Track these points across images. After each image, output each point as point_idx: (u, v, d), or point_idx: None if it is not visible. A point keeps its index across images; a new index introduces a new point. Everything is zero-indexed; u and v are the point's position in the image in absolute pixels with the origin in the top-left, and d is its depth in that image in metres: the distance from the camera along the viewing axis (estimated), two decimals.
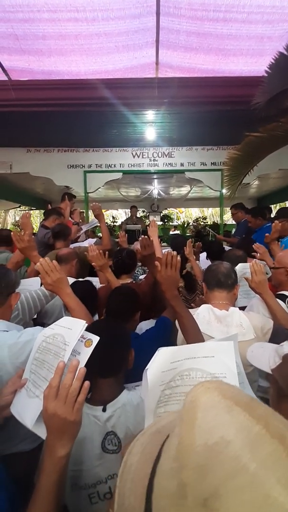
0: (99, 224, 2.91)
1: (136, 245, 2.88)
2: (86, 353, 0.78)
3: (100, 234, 3.98)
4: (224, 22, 2.68)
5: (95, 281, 2.21)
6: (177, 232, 9.36)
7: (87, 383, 0.67)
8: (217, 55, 3.04)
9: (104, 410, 0.87)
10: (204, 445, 0.29)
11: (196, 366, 0.63)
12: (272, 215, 4.55)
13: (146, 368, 0.66)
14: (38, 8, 2.63)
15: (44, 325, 1.49)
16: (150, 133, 4.31)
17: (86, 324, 0.85)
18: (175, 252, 1.16)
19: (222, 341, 0.70)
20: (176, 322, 1.34)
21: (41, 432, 0.77)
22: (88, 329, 0.87)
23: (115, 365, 0.93)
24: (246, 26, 2.71)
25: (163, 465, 0.33)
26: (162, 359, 0.68)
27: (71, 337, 0.82)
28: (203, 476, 0.28)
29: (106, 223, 4.68)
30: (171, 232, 8.77)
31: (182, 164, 5.01)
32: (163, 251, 2.37)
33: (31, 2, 2.56)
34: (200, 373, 0.62)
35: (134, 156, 5.01)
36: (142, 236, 1.59)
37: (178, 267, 1.15)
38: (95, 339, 0.80)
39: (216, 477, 0.27)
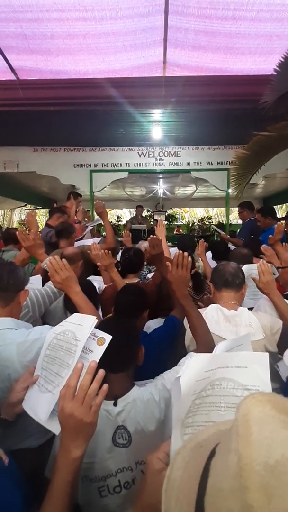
0: (102, 222, 2.90)
1: (142, 245, 2.88)
2: (98, 351, 0.78)
3: (104, 233, 4.02)
4: (233, 21, 2.66)
5: (99, 280, 2.21)
6: (181, 232, 9.38)
7: (105, 385, 0.67)
8: (226, 54, 3.02)
9: (115, 404, 0.88)
10: (265, 464, 0.28)
11: (228, 376, 0.61)
12: (278, 216, 4.52)
13: (179, 375, 0.64)
14: (47, 8, 2.65)
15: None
16: (157, 132, 4.30)
17: (97, 320, 0.85)
18: (186, 253, 1.15)
19: (255, 352, 0.67)
20: (185, 321, 1.34)
21: (54, 427, 0.78)
22: (99, 326, 0.87)
23: (125, 359, 0.93)
24: (255, 24, 2.69)
25: (218, 483, 0.31)
26: (196, 367, 0.65)
27: (82, 332, 0.82)
28: (268, 499, 0.27)
29: (111, 222, 4.69)
30: (175, 232, 8.78)
31: (188, 164, 4.99)
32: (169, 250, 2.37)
33: (40, 2, 2.57)
34: (232, 383, 0.60)
35: (140, 156, 5.01)
36: (152, 235, 1.59)
37: (189, 267, 1.15)
38: (108, 337, 0.80)
39: (284, 501, 0.26)
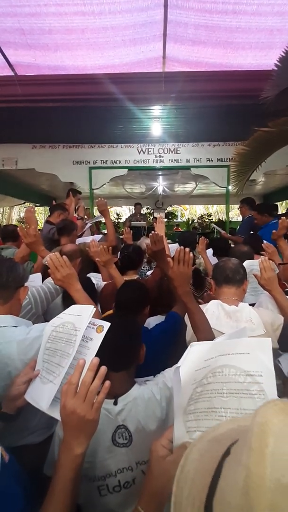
0: (102, 219, 2.89)
1: (144, 241, 2.87)
2: (98, 339, 0.79)
3: (105, 231, 4.02)
4: (233, 15, 2.63)
5: (98, 277, 2.21)
6: (180, 230, 9.38)
7: (107, 382, 0.67)
8: (226, 49, 3.00)
9: (115, 403, 0.87)
10: (277, 482, 0.25)
11: (230, 363, 0.61)
12: (279, 212, 4.51)
13: (178, 365, 0.64)
14: (45, 2, 2.62)
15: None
16: (156, 129, 4.28)
17: (95, 309, 0.85)
18: (188, 249, 1.14)
19: (257, 337, 0.67)
20: (185, 317, 1.34)
21: (57, 414, 0.78)
22: None
23: (126, 358, 0.92)
24: (255, 18, 2.66)
25: (226, 495, 0.29)
26: (195, 357, 0.65)
27: (81, 322, 0.83)
28: None
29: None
30: (174, 231, 8.78)
31: (188, 160, 4.97)
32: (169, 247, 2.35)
33: None
34: (234, 370, 0.60)
35: (139, 152, 4.98)
36: (153, 232, 1.58)
37: (190, 263, 1.14)
38: (106, 325, 0.80)
39: None
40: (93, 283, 1.84)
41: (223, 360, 0.61)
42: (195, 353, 0.65)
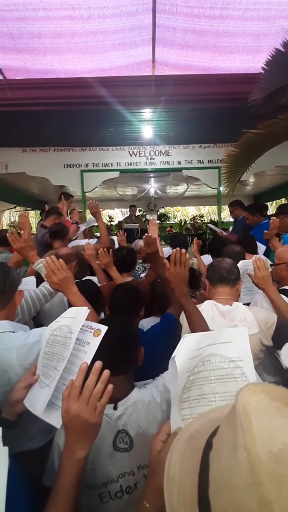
0: (96, 224, 2.90)
1: (138, 243, 2.88)
2: (95, 343, 0.79)
3: (97, 234, 4.01)
4: (220, 19, 2.69)
5: (94, 280, 2.20)
6: (173, 231, 9.42)
7: (110, 386, 0.66)
8: (214, 52, 3.05)
9: (115, 408, 0.86)
10: (269, 453, 0.29)
11: (215, 351, 0.68)
12: (269, 212, 4.60)
13: (173, 355, 0.69)
14: (34, 7, 2.62)
15: (42, 326, 1.49)
16: (147, 132, 4.31)
17: (89, 310, 0.86)
18: (184, 250, 1.15)
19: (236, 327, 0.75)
20: (181, 318, 1.35)
21: (51, 419, 0.79)
22: None
23: (125, 362, 0.91)
24: (242, 23, 2.72)
25: (229, 479, 0.31)
26: (188, 347, 0.71)
27: (75, 325, 0.83)
28: (278, 488, 0.27)
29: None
30: (167, 232, 8.82)
31: (179, 162, 5.02)
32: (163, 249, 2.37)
33: (27, 1, 2.54)
34: (219, 358, 0.67)
35: (131, 155, 5.00)
36: (146, 234, 1.58)
37: (187, 264, 1.15)
38: (103, 328, 0.81)
39: None
40: (98, 287, 1.82)
41: (210, 350, 0.69)
42: (188, 343, 0.72)
